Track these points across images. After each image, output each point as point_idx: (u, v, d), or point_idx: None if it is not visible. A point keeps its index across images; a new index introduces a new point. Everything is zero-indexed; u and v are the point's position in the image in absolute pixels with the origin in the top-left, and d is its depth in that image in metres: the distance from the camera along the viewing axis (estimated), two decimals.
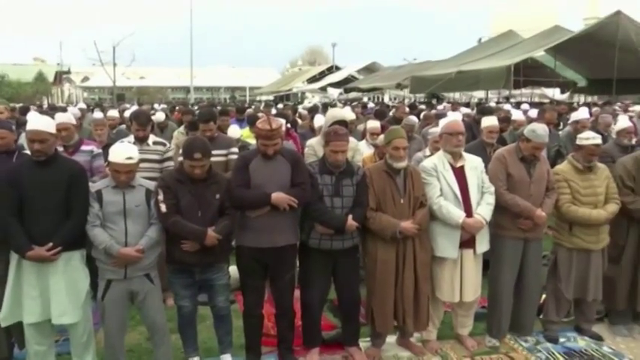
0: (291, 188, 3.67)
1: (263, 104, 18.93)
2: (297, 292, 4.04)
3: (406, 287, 3.86)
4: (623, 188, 4.31)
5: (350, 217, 3.71)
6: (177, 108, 14.91)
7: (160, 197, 3.51)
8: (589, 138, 4.18)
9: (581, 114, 7.07)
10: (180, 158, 3.82)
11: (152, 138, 4.90)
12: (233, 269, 4.23)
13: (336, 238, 3.76)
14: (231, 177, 3.82)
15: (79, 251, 3.52)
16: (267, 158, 3.69)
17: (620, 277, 4.41)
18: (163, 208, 3.49)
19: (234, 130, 6.27)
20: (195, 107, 16.52)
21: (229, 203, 3.66)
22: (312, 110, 10.65)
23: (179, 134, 5.99)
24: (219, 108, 9.07)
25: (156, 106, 19.43)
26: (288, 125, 7.03)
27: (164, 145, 4.94)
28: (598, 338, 4.37)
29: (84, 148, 4.59)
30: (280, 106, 17.78)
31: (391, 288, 3.86)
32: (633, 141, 5.60)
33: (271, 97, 42.37)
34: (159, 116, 8.79)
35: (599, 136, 4.31)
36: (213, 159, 3.78)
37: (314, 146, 4.82)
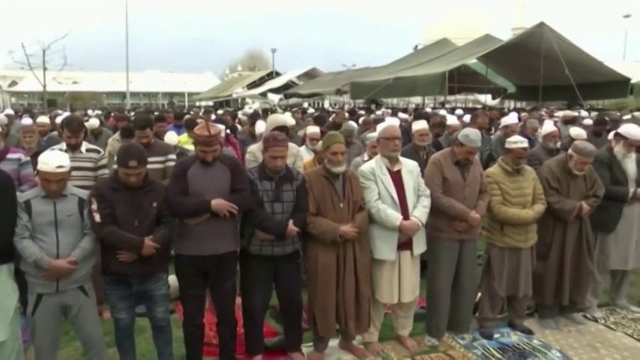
0: (231, 194, 3.65)
1: (202, 110, 18.66)
2: (238, 300, 4.01)
3: (347, 290, 3.91)
4: (548, 189, 4.53)
5: (290, 222, 3.73)
6: (112, 114, 14.45)
7: (94, 206, 3.40)
8: (517, 142, 4.38)
9: (511, 119, 7.40)
10: (115, 166, 3.71)
11: (85, 145, 4.74)
12: (172, 278, 4.14)
13: (276, 243, 3.77)
14: (169, 184, 3.75)
15: (6, 265, 3.34)
16: (205, 165, 3.65)
17: (548, 274, 4.63)
18: (97, 217, 3.38)
19: (172, 137, 6.17)
20: (132, 113, 16.09)
21: (167, 211, 3.59)
22: (254, 116, 10.60)
23: (114, 141, 5.82)
24: (156, 114, 8.87)
25: (89, 111, 18.77)
26: (228, 131, 6.97)
27: (98, 152, 4.78)
28: (529, 332, 4.57)
29: (10, 156, 4.38)
30: (220, 111, 17.57)
31: (332, 291, 3.89)
32: (558, 144, 5.94)
33: (211, 103, 41.86)
34: (92, 122, 8.51)
35: (527, 140, 4.54)
36: (149, 166, 3.70)
37: (255, 152, 4.80)
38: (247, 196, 3.68)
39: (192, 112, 16.48)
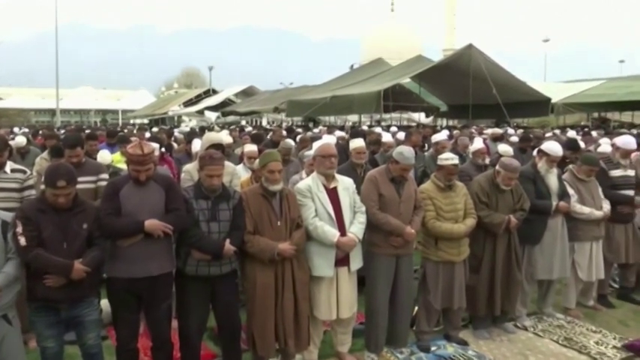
0: (166, 214, 3.57)
1: (137, 127, 18.19)
2: (174, 322, 3.90)
3: (286, 308, 3.88)
4: (479, 204, 4.72)
5: (227, 241, 3.68)
6: (40, 132, 13.83)
7: (19, 229, 3.23)
8: (448, 159, 4.54)
9: (441, 136, 7.66)
10: (43, 186, 3.55)
11: (10, 165, 4.50)
12: (104, 303, 3.99)
13: (213, 263, 3.71)
14: (100, 205, 3.62)
15: None
16: (139, 184, 3.56)
17: (480, 286, 4.79)
18: (23, 241, 3.22)
19: (105, 155, 5.98)
20: (62, 131, 15.46)
21: (98, 233, 3.46)
22: (190, 134, 10.43)
23: (42, 160, 5.57)
24: (87, 132, 8.56)
25: (16, 129, 17.91)
26: (163, 149, 6.83)
27: (24, 172, 4.55)
28: (464, 343, 4.70)
29: None
30: (155, 129, 17.19)
31: (271, 310, 3.86)
32: (487, 161, 6.21)
33: (146, 121, 40.89)
34: (19, 141, 8.12)
35: (457, 157, 4.71)
36: (80, 186, 3.58)
37: (190, 171, 4.73)
38: (182, 216, 3.62)
39: (126, 130, 16.03)
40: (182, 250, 3.75)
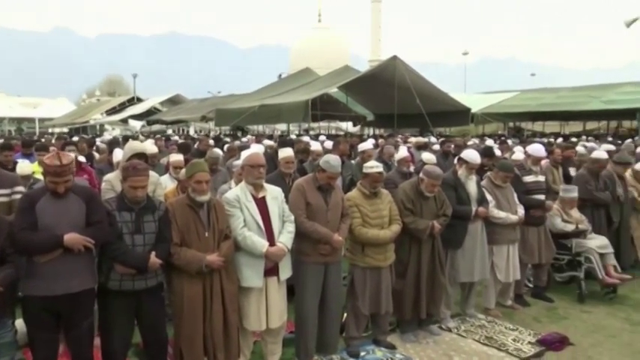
0: (86, 228, 3.43)
1: (55, 137, 17.33)
2: (97, 341, 3.75)
3: (215, 321, 3.83)
4: (404, 210, 4.86)
5: (153, 254, 3.59)
6: None
7: None
8: (373, 167, 4.66)
9: (367, 145, 7.84)
10: None
11: None
12: (20, 323, 3.75)
13: (138, 277, 3.60)
14: (14, 219, 3.43)
15: None
16: (57, 196, 3.40)
17: (406, 290, 4.92)
18: None
19: (25, 167, 5.56)
20: None
21: (12, 249, 3.27)
22: (112, 144, 10.06)
23: None
24: (0, 141, 8.06)
25: None
26: (82, 159, 6.55)
27: None
28: (392, 347, 4.80)
29: None
30: (75, 138, 16.44)
31: (199, 323, 3.79)
32: (411, 168, 6.41)
33: (65, 130, 39.04)
34: None
35: (382, 165, 4.84)
36: None
37: (111, 181, 4.57)
38: (104, 229, 3.49)
39: (43, 139, 15.22)
40: (104, 264, 3.61)
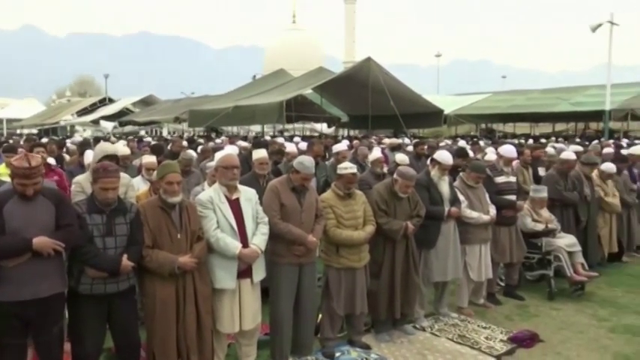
0: (56, 231, 3.36)
1: (24, 138, 16.93)
2: (67, 346, 3.67)
3: (188, 324, 3.79)
4: (378, 211, 4.89)
5: (125, 256, 3.54)
6: None
7: None
8: (347, 168, 4.67)
9: (341, 146, 7.87)
10: None
11: None
12: None
13: (110, 280, 3.55)
14: None
15: None
16: (25, 199, 3.32)
17: (381, 290, 4.95)
18: None
19: None
20: None
21: None
22: (83, 145, 9.88)
23: None
24: None
25: None
26: (52, 161, 6.42)
27: None
28: (367, 347, 4.82)
29: None
30: (45, 140, 16.10)
31: (172, 326, 3.75)
32: (385, 169, 6.46)
33: (35, 131, 38.20)
34: None
35: (356, 166, 4.87)
36: None
37: (81, 183, 4.49)
38: (74, 232, 3.42)
39: (11, 141, 14.88)
40: (75, 268, 3.55)
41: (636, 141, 14.19)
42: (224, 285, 3.99)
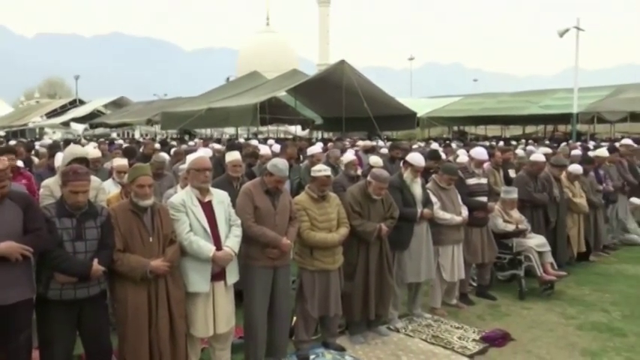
0: (24, 236, 3.30)
1: None
2: (35, 353, 3.59)
3: (161, 329, 3.74)
4: (352, 213, 4.91)
5: (95, 261, 3.48)
6: None
7: None
8: (321, 170, 4.68)
9: (316, 149, 7.89)
10: None
11: None
12: None
13: (80, 286, 3.48)
14: None
15: None
16: None
17: (355, 292, 4.97)
18: None
19: None
20: None
21: None
22: (53, 147, 9.69)
23: None
24: None
25: None
26: (20, 164, 6.28)
27: None
28: (341, 349, 4.83)
29: None
30: (13, 142, 15.72)
31: (145, 332, 3.70)
32: (359, 172, 6.49)
33: (2, 133, 37.29)
34: None
35: (329, 169, 4.88)
36: None
37: (50, 187, 4.40)
38: (43, 236, 3.35)
39: None
40: (44, 273, 3.48)
41: (602, 143, 14.54)
42: (198, 288, 3.95)
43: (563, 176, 7.57)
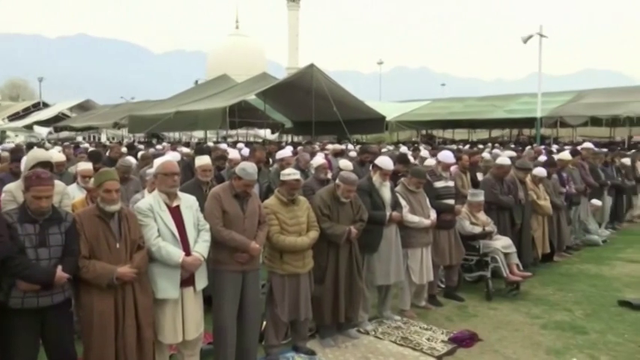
0: None
1: None
2: None
3: (128, 336, 3.67)
4: (321, 216, 4.91)
5: (59, 268, 3.40)
6: None
7: None
8: (290, 174, 4.69)
9: (285, 152, 7.87)
10: None
11: None
12: None
13: (43, 293, 3.40)
14: None
15: None
16: None
17: (325, 295, 4.97)
18: None
19: None
20: None
21: None
22: (15, 151, 9.41)
23: None
24: None
25: None
26: None
27: None
28: (312, 353, 4.83)
29: None
30: None
31: (111, 340, 3.62)
32: (329, 175, 6.51)
33: None
34: None
35: (299, 172, 4.88)
36: None
37: (13, 192, 4.29)
38: (4, 243, 3.25)
39: None
40: (5, 281, 3.37)
41: (565, 147, 14.94)
42: (167, 295, 3.90)
43: (528, 179, 7.74)
